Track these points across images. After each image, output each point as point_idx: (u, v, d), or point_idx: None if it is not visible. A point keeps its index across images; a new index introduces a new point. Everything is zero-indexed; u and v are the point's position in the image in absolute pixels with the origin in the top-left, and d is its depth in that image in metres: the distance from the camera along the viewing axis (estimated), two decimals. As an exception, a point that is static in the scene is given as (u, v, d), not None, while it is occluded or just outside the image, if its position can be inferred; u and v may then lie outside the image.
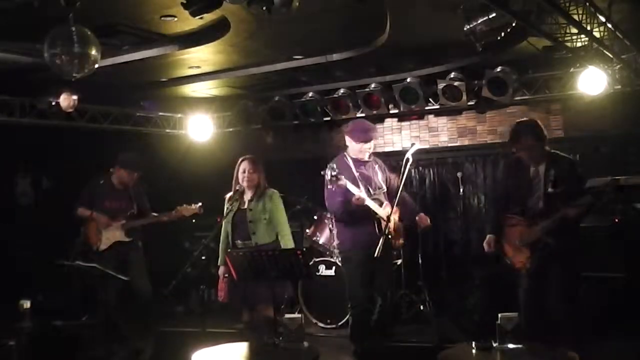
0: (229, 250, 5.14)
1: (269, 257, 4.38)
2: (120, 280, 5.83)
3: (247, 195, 5.31)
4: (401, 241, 5.51)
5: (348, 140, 5.33)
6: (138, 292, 6.12)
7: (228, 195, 5.36)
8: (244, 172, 5.26)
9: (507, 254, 4.86)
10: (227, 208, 5.30)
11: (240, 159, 5.37)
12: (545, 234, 4.60)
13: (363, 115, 7.50)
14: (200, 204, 6.04)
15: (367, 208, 5.08)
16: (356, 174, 5.21)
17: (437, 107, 7.41)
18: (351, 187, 5.01)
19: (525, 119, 4.95)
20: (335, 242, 6.11)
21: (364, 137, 5.24)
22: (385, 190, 5.38)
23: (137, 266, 6.16)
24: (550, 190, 4.62)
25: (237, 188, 5.28)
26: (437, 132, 8.00)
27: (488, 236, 4.93)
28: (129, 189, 6.27)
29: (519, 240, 4.75)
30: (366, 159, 5.32)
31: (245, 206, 5.29)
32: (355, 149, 5.28)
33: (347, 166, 5.25)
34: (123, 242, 6.13)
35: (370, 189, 5.22)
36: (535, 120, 4.82)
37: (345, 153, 5.37)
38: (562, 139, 7.02)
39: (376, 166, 5.41)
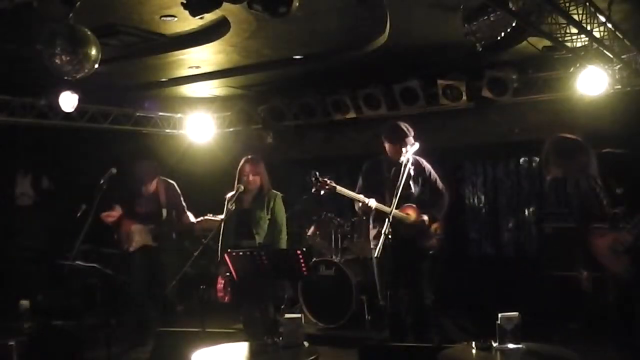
0: (228, 250, 5.14)
1: (269, 257, 4.38)
2: (145, 282, 6.02)
3: (249, 196, 5.30)
4: (432, 242, 5.33)
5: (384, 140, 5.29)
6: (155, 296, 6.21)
7: (229, 195, 5.36)
8: (246, 174, 5.26)
9: (604, 267, 4.41)
10: (229, 208, 5.29)
11: (243, 159, 5.36)
12: None
13: (362, 115, 7.50)
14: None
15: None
16: (386, 176, 5.12)
17: (437, 107, 7.40)
18: (341, 189, 4.92)
19: (565, 136, 4.61)
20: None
21: (392, 136, 5.19)
22: (418, 192, 5.27)
23: (160, 271, 6.16)
24: (618, 191, 4.33)
25: (238, 188, 5.27)
26: (437, 132, 7.98)
27: (585, 273, 4.57)
28: (157, 194, 6.28)
29: (614, 249, 4.30)
30: (401, 159, 5.01)
31: (248, 206, 5.28)
32: (387, 148, 5.25)
33: (379, 167, 5.23)
34: (150, 246, 6.17)
35: (392, 193, 4.89)
36: (576, 139, 4.55)
37: (384, 154, 5.31)
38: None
39: (412, 168, 5.19)
